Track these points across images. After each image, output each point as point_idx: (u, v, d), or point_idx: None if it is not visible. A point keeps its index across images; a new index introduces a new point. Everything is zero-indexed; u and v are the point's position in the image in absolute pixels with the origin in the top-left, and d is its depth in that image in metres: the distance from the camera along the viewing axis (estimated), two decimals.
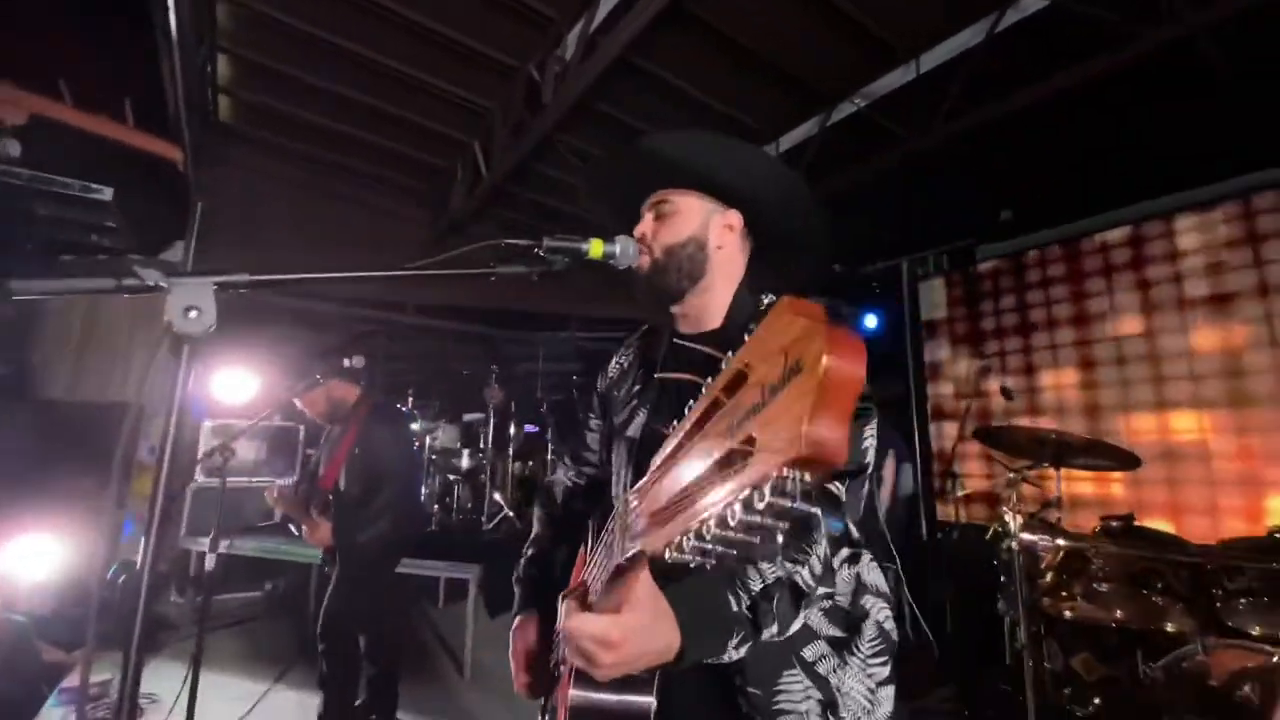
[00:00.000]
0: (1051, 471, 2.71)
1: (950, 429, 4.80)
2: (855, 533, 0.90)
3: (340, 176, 5.68)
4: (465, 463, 5.07)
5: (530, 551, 1.28)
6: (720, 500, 0.39)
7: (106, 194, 4.36)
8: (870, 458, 0.90)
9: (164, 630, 3.96)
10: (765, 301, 1.10)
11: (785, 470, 0.35)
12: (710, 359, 1.04)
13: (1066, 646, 2.52)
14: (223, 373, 3.23)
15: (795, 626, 0.82)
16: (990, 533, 2.79)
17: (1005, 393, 3.27)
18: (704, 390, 0.47)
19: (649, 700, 0.78)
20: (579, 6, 3.57)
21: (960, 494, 3.42)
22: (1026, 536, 2.42)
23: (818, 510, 0.34)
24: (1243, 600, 2.05)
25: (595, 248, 0.98)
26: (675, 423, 0.50)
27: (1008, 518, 2.41)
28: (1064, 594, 2.45)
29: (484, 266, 0.86)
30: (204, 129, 4.81)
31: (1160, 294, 3.81)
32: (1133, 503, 3.73)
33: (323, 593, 2.73)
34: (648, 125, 4.52)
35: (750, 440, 0.38)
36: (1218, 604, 2.08)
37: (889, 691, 0.92)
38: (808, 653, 0.88)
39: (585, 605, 0.75)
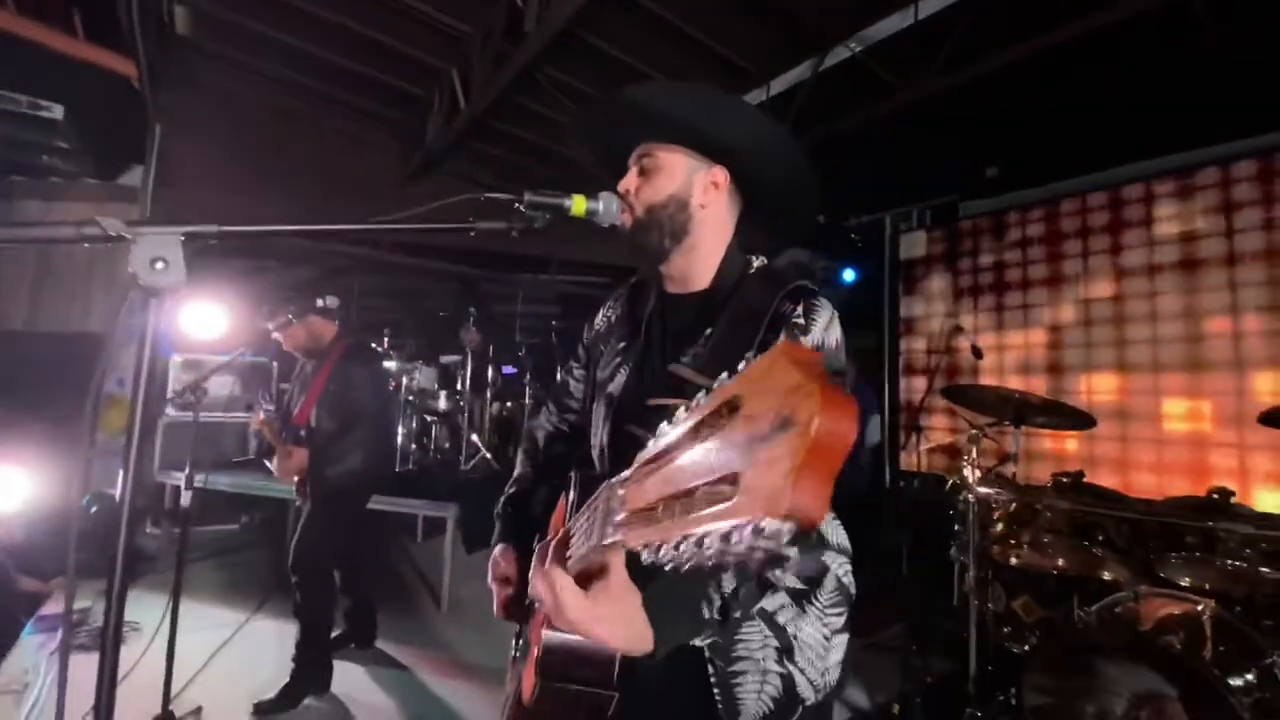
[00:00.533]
0: (1011, 428, 2.82)
1: (919, 383, 4.92)
2: None
3: (310, 101, 5.39)
4: (442, 404, 5.07)
5: (512, 490, 1.30)
6: (700, 525, 0.40)
7: (57, 112, 4.12)
8: None
9: (142, 561, 4.00)
10: (755, 263, 1.09)
11: (764, 519, 0.36)
12: (698, 323, 1.05)
13: (1010, 591, 2.69)
14: (191, 307, 3.13)
15: (758, 606, 0.88)
16: (949, 485, 2.92)
17: (975, 351, 3.35)
18: (697, 403, 0.47)
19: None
20: None
21: (924, 447, 3.55)
22: (983, 490, 2.54)
23: (791, 551, 0.34)
24: (1175, 555, 2.20)
25: (578, 204, 0.96)
26: (666, 424, 0.51)
27: (966, 471, 2.52)
28: (1012, 542, 2.59)
29: (462, 220, 0.84)
30: (160, 43, 4.50)
31: (1132, 258, 3.88)
32: (1086, 458, 3.91)
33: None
34: (635, 60, 4.34)
35: (735, 478, 0.39)
36: (1152, 556, 2.23)
37: (843, 639, 0.98)
38: (768, 604, 0.92)
39: (563, 556, 0.76)
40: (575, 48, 4.19)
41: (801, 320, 0.96)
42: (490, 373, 5.75)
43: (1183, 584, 2.13)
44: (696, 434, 0.46)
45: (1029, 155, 4.42)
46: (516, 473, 1.34)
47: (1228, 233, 3.52)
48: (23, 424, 4.10)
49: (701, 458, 0.44)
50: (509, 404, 6.52)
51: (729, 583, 0.85)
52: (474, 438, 5.06)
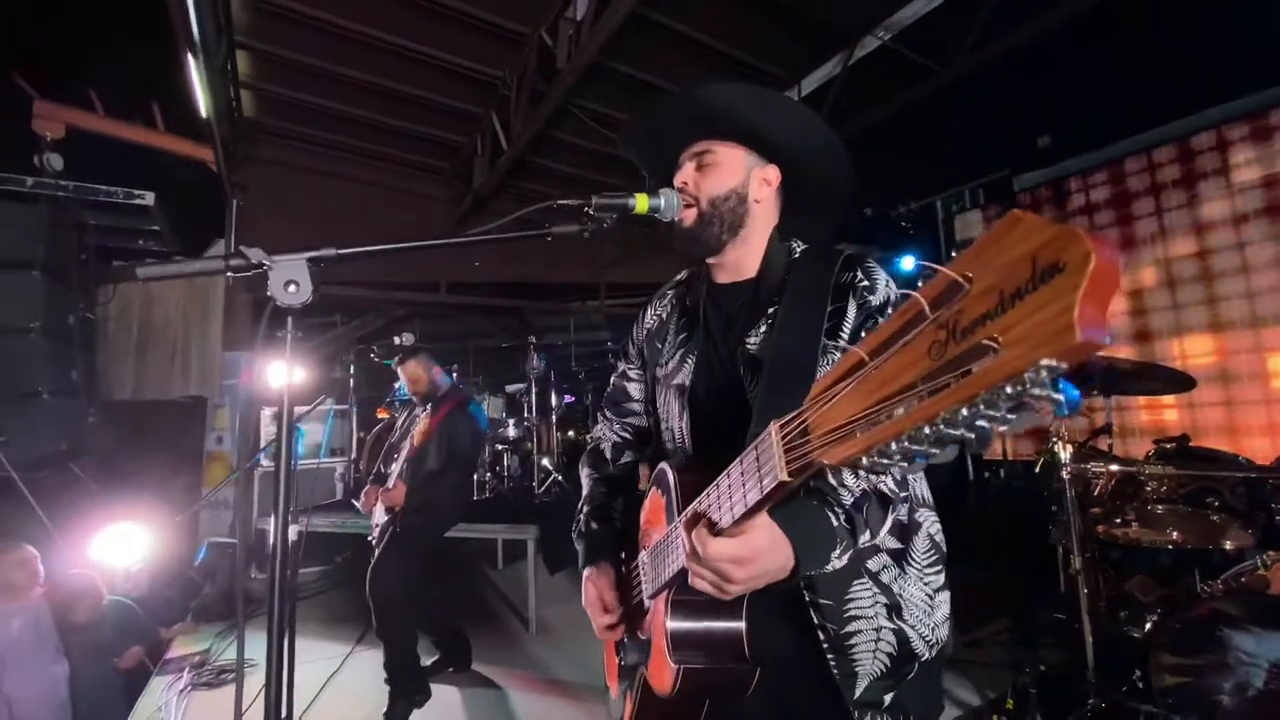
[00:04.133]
0: (1101, 401, 2.68)
1: None
2: None
3: (364, 163, 5.75)
4: (511, 432, 5.23)
5: (586, 508, 1.31)
6: (953, 400, 0.41)
7: (149, 199, 4.53)
8: None
9: (251, 603, 4.25)
10: (797, 250, 1.12)
11: (1045, 361, 0.37)
12: (755, 305, 1.08)
13: (1121, 571, 2.53)
14: (274, 364, 3.36)
15: (884, 530, 0.91)
16: (1040, 465, 2.79)
17: None
18: (897, 309, 0.48)
19: (740, 624, 0.87)
20: None
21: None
22: (1078, 465, 2.41)
23: (1061, 395, 0.36)
24: None
25: (641, 202, 1.01)
26: (837, 343, 0.54)
27: (1057, 448, 2.40)
28: (1117, 520, 2.44)
29: (540, 228, 0.91)
30: (231, 126, 4.91)
31: (1212, 211, 3.65)
32: (1188, 427, 3.65)
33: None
34: (666, 81, 4.43)
35: (989, 342, 0.40)
36: (1277, 518, 2.06)
37: (945, 596, 1.01)
38: (872, 564, 0.96)
39: (711, 527, 0.80)
40: (607, 77, 4.33)
41: (866, 282, 1.01)
42: (554, 398, 5.88)
43: None
44: (901, 335, 0.47)
45: (1082, 119, 4.23)
46: (587, 489, 1.34)
47: None
48: (139, 484, 4.47)
49: (919, 349, 0.44)
50: (571, 432, 6.64)
51: (847, 496, 0.88)
52: (544, 462, 5.17)
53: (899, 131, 4.57)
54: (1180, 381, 2.39)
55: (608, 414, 1.38)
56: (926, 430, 0.43)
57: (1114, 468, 2.45)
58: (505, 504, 4.75)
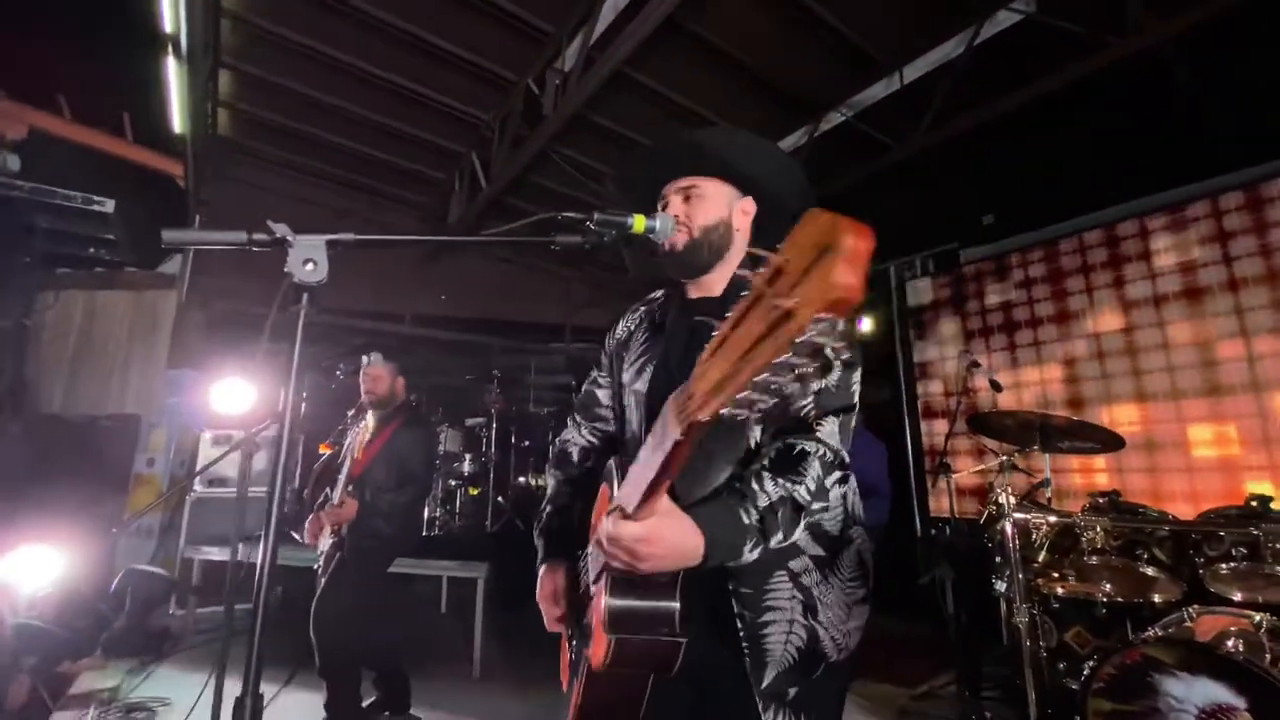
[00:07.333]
0: (1040, 456, 2.84)
1: (940, 425, 4.94)
2: (846, 458, 1.06)
3: (339, 191, 5.74)
4: (468, 468, 5.10)
5: (549, 508, 1.37)
6: (770, 354, 0.54)
7: (109, 206, 4.41)
8: (856, 400, 1.10)
9: (166, 641, 3.94)
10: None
11: (823, 312, 0.49)
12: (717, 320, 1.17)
13: (1060, 624, 2.63)
14: (220, 384, 3.21)
15: (798, 533, 0.99)
16: (985, 516, 2.90)
17: (994, 385, 3.41)
18: (747, 292, 0.61)
19: (674, 604, 0.92)
20: (577, 22, 3.71)
21: (952, 474, 3.49)
22: (1020, 515, 2.53)
23: (842, 347, 0.51)
24: (1224, 566, 2.18)
25: (639, 223, 1.09)
26: (712, 336, 0.65)
27: (1001, 498, 2.52)
28: (1055, 574, 2.56)
29: (545, 236, 0.96)
30: (203, 142, 4.88)
31: (1136, 291, 3.99)
32: (1118, 489, 3.87)
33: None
34: (642, 136, 4.65)
35: (793, 306, 0.52)
36: (1201, 571, 2.20)
37: (864, 609, 1.11)
38: (794, 565, 1.05)
39: (625, 517, 0.88)
40: (586, 128, 4.52)
41: None
42: (513, 436, 5.80)
43: (1234, 599, 2.10)
44: (749, 311, 0.59)
45: (1022, 201, 4.62)
46: (552, 489, 1.41)
47: (1225, 260, 3.64)
48: (56, 504, 4.16)
49: (756, 320, 0.57)
50: (525, 476, 6.51)
51: (763, 499, 0.95)
52: (500, 499, 5.05)
53: (857, 201, 4.88)
54: (1111, 439, 2.57)
55: (578, 418, 1.44)
56: (763, 376, 0.54)
57: (1052, 519, 2.58)
58: (454, 541, 4.59)
